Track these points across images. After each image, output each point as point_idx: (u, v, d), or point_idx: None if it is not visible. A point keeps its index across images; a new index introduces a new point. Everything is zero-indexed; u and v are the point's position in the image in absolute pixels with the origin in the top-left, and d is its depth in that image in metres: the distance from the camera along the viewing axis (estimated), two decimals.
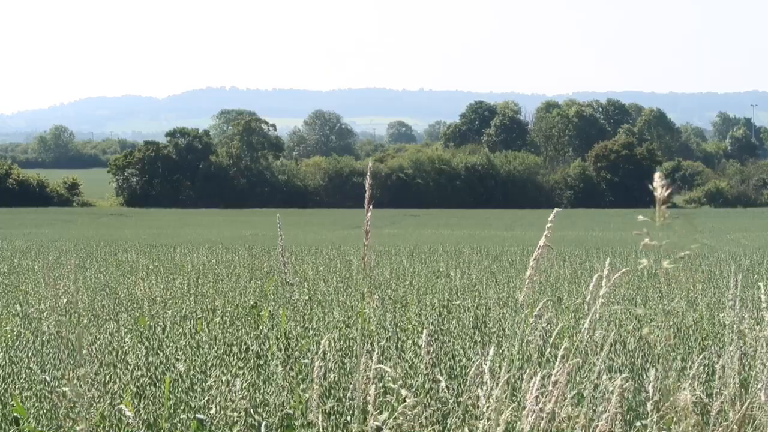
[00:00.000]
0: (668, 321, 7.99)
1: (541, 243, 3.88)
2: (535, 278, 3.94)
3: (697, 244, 3.78)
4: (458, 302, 9.35)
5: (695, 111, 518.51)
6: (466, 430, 4.71)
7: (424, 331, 5.05)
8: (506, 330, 7.07)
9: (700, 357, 5.20)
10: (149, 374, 5.35)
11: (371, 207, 4.19)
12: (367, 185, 4.18)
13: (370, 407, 3.84)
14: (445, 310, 8.71)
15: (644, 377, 5.55)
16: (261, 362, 5.75)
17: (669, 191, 3.35)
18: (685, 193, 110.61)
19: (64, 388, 5.24)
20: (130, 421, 4.59)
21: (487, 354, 4.19)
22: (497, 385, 3.94)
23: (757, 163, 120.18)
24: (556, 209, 4.00)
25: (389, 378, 4.99)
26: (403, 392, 3.95)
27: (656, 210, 3.33)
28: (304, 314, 7.78)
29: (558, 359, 3.77)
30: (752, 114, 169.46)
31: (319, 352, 4.17)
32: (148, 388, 5.22)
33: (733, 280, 5.87)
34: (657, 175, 3.34)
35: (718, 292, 11.02)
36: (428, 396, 4.94)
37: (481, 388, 4.05)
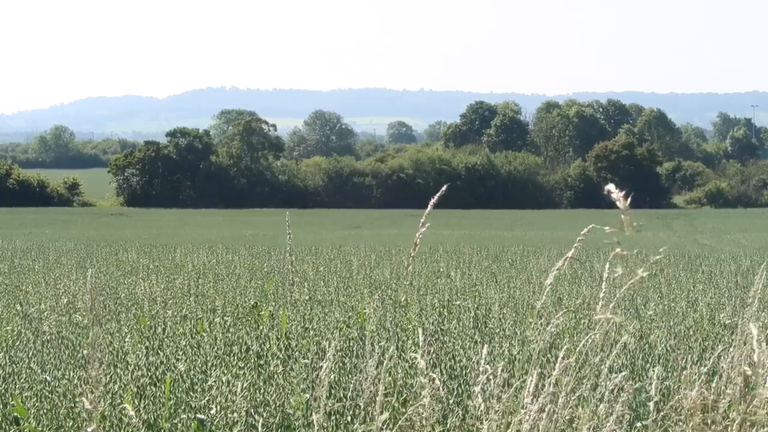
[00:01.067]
0: (668, 321, 7.99)
1: (569, 254, 3.86)
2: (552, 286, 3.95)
3: (665, 247, 3.83)
4: (458, 302, 9.35)
5: (695, 111, 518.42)
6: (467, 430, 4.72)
7: (419, 330, 5.04)
8: (506, 330, 7.07)
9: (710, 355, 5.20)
10: (149, 374, 5.35)
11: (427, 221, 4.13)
12: (430, 204, 4.08)
13: (377, 407, 3.84)
14: (446, 310, 8.71)
15: (644, 377, 5.55)
16: (261, 362, 5.75)
17: (629, 199, 3.35)
18: (686, 194, 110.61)
19: (69, 387, 5.24)
20: (132, 420, 4.59)
21: (483, 353, 4.18)
22: (509, 386, 3.94)
23: (757, 163, 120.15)
24: (591, 225, 3.94)
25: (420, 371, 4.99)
26: (425, 390, 3.94)
27: (622, 220, 3.32)
28: (304, 314, 7.78)
29: (559, 360, 3.77)
30: (752, 114, 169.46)
31: (328, 354, 4.17)
32: (148, 388, 5.22)
33: (759, 277, 5.86)
34: (611, 187, 3.33)
35: (718, 293, 11.02)
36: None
37: (483, 389, 4.05)
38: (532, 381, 3.77)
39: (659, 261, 3.53)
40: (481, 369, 4.07)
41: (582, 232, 3.90)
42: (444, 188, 4.13)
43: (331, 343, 4.55)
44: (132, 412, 4.50)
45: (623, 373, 3.95)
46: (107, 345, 6.31)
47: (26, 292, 11.15)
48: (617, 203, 3.28)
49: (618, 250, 3.34)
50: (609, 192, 3.30)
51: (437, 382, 4.52)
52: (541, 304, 4.05)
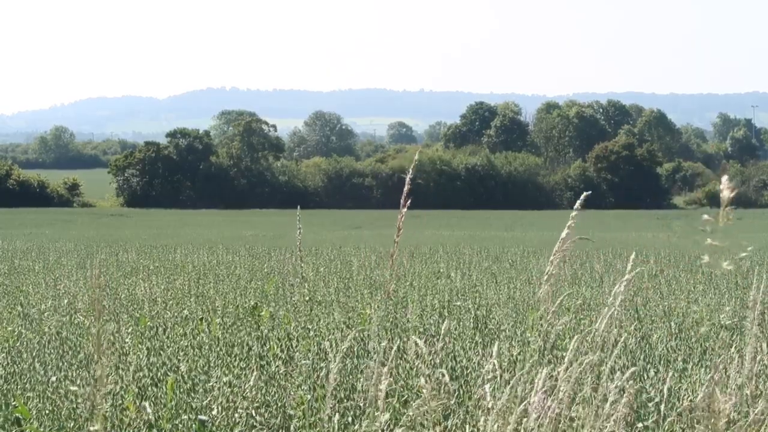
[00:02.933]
0: (668, 320, 7.99)
1: (563, 235, 3.97)
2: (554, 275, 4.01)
3: (751, 248, 4.04)
4: (458, 303, 9.36)
5: (695, 112, 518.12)
6: (468, 429, 4.72)
7: (445, 323, 5.04)
8: (506, 331, 7.08)
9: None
10: (151, 375, 5.35)
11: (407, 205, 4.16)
12: (407, 179, 4.13)
13: (380, 403, 3.85)
14: (446, 310, 8.71)
15: (645, 378, 5.55)
16: (263, 363, 5.75)
17: (734, 193, 3.61)
18: (686, 195, 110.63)
19: (72, 388, 5.24)
20: (150, 417, 4.60)
21: (492, 351, 4.18)
22: (510, 386, 3.94)
23: (757, 164, 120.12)
24: (578, 205, 4.10)
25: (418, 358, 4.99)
26: (422, 380, 3.95)
27: (721, 211, 3.60)
28: (304, 315, 7.78)
29: (567, 358, 3.78)
30: (753, 115, 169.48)
31: (337, 357, 4.17)
32: (150, 388, 5.22)
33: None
34: (725, 179, 3.61)
35: (718, 293, 11.03)
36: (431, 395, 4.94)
37: (487, 387, 4.05)
38: (540, 380, 3.78)
39: (744, 258, 3.77)
40: (489, 367, 4.07)
41: (573, 212, 4.00)
42: (410, 178, 4.17)
43: (333, 345, 4.54)
44: (149, 409, 4.51)
45: (631, 369, 3.95)
46: (110, 345, 6.31)
47: (26, 292, 11.15)
48: (721, 194, 3.56)
49: (709, 240, 3.56)
50: (722, 182, 3.59)
51: (446, 378, 4.52)
52: (542, 293, 4.04)
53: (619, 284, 4.14)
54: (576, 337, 4.04)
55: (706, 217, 3.65)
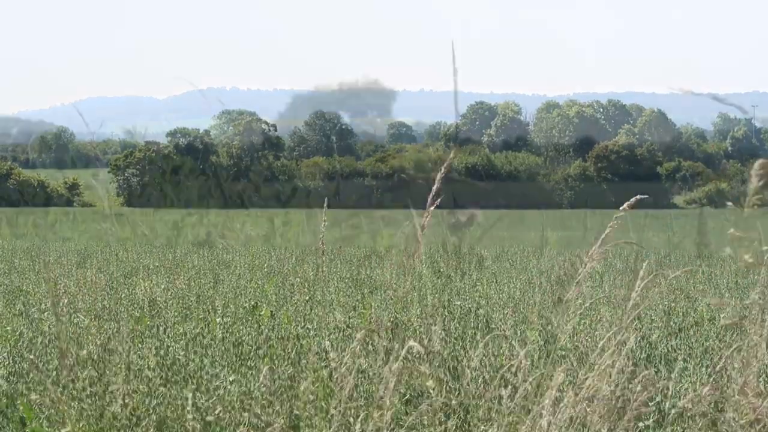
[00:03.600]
0: (668, 321, 8.00)
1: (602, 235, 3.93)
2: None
3: None
4: (458, 303, 9.37)
5: (695, 111, 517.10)
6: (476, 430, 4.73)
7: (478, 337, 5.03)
8: (508, 331, 7.09)
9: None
10: (156, 375, 5.36)
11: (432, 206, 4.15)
12: (438, 177, 4.14)
13: (387, 401, 3.86)
14: (446, 310, 8.71)
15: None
16: (268, 362, 5.76)
17: (763, 182, 3.26)
18: (686, 194, 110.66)
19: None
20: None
21: (522, 354, 4.20)
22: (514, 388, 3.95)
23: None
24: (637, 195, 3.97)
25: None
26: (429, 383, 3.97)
27: (748, 199, 3.28)
28: (305, 314, 7.80)
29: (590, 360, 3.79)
30: (752, 114, 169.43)
31: (341, 357, 4.18)
32: (159, 389, 5.23)
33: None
34: (758, 164, 3.29)
35: (719, 293, 11.04)
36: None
37: (505, 388, 4.06)
38: (555, 381, 3.80)
39: None
40: (514, 368, 4.08)
41: (618, 213, 3.95)
42: (440, 177, 4.18)
43: (336, 344, 4.56)
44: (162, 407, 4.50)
45: (646, 372, 3.97)
46: (118, 346, 6.31)
47: (26, 292, 11.15)
48: (750, 183, 3.26)
49: (732, 230, 3.29)
50: (754, 168, 3.31)
51: (465, 362, 4.53)
52: (571, 294, 4.06)
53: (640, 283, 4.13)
54: (604, 339, 4.06)
55: (729, 204, 3.39)
